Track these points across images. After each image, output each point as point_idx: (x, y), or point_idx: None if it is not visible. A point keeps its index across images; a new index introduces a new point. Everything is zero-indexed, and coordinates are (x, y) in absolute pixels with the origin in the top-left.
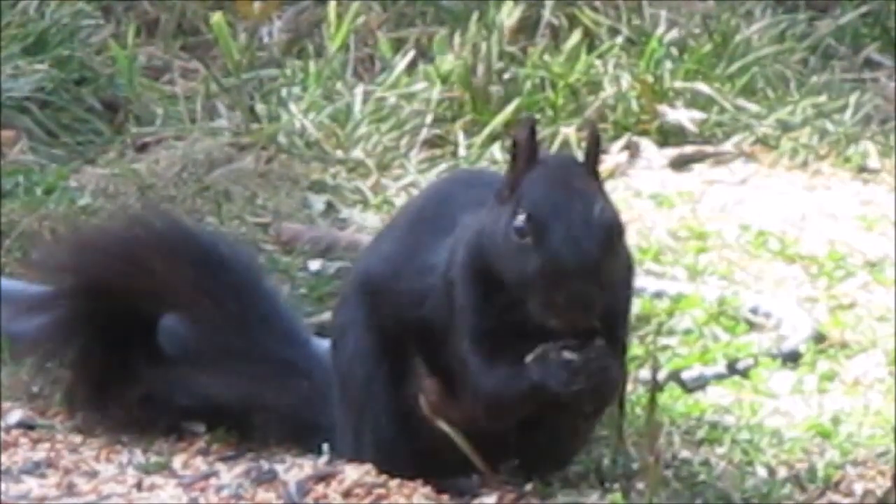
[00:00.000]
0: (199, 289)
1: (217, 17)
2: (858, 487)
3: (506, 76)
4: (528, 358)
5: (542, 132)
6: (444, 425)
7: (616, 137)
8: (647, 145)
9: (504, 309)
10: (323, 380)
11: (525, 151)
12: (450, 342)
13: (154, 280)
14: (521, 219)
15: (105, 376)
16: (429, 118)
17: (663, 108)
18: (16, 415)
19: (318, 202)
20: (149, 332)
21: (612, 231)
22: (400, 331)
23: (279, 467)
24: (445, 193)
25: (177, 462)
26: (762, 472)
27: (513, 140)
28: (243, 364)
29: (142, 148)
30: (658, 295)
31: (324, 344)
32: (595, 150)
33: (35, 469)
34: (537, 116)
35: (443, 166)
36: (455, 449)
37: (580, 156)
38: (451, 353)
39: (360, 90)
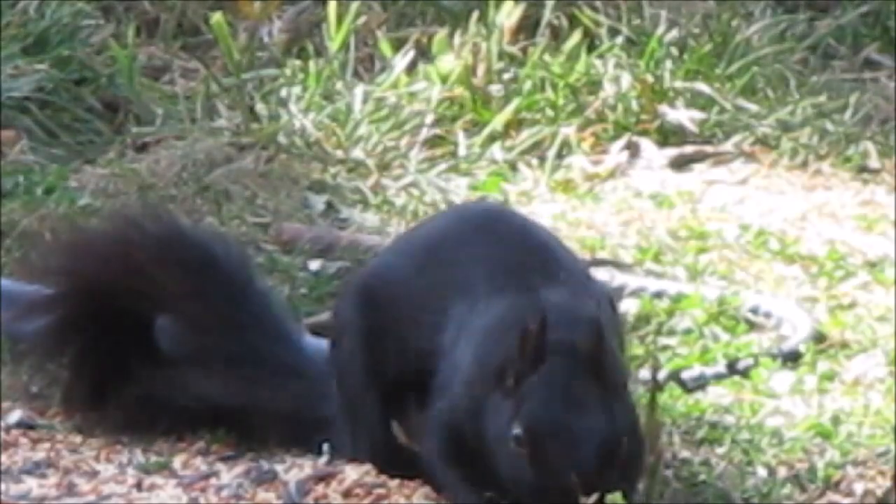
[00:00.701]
0: (191, 290)
1: (217, 17)
2: (859, 487)
3: (506, 76)
4: (487, 495)
5: (543, 132)
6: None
7: (616, 137)
8: (647, 145)
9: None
10: (317, 380)
11: (534, 348)
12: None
13: (147, 281)
14: (517, 431)
15: (103, 377)
16: (429, 118)
17: (663, 107)
18: (16, 415)
19: (318, 202)
20: (145, 333)
21: (613, 448)
22: (395, 365)
23: (279, 467)
24: (466, 240)
25: (177, 462)
26: (762, 472)
27: (521, 331)
28: (236, 365)
29: (142, 148)
30: (658, 295)
31: (318, 343)
32: (600, 344)
33: (35, 469)
34: (537, 116)
35: (443, 166)
36: None
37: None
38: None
39: (360, 90)
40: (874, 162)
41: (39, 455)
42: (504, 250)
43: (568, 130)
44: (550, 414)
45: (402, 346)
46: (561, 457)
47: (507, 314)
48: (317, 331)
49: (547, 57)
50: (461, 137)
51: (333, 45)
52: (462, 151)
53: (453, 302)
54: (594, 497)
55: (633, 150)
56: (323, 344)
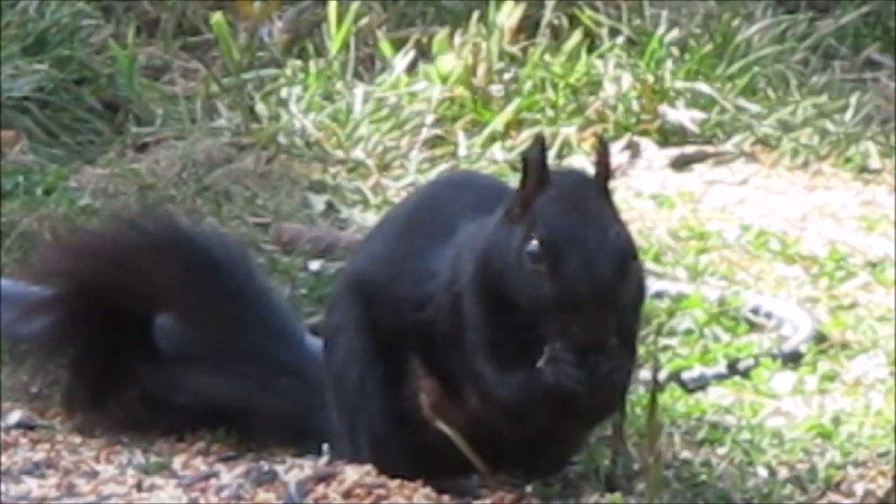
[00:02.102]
0: (192, 290)
1: (217, 17)
2: (859, 488)
3: (506, 76)
4: (540, 362)
5: (543, 132)
6: (443, 426)
7: (617, 137)
8: (647, 145)
9: (513, 322)
10: (319, 380)
11: (536, 171)
12: (453, 347)
13: (147, 282)
14: (534, 244)
15: (103, 377)
16: (429, 118)
17: (664, 108)
18: (15, 415)
19: (319, 202)
20: (145, 333)
21: (626, 256)
22: (395, 332)
23: (279, 468)
24: (440, 196)
25: (177, 462)
26: (763, 472)
27: (523, 158)
28: (238, 364)
29: (142, 148)
30: (659, 295)
31: (319, 343)
32: (605, 166)
33: (35, 469)
34: (538, 116)
35: (443, 166)
36: (453, 449)
37: (588, 168)
38: (455, 357)
39: (360, 90)
40: (875, 162)
41: (39, 455)
42: (477, 197)
43: (568, 130)
44: (563, 225)
45: (397, 315)
46: (579, 266)
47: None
48: (317, 331)
49: (547, 57)
50: (461, 137)
51: (334, 46)
52: (462, 152)
53: (440, 249)
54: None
55: (633, 150)
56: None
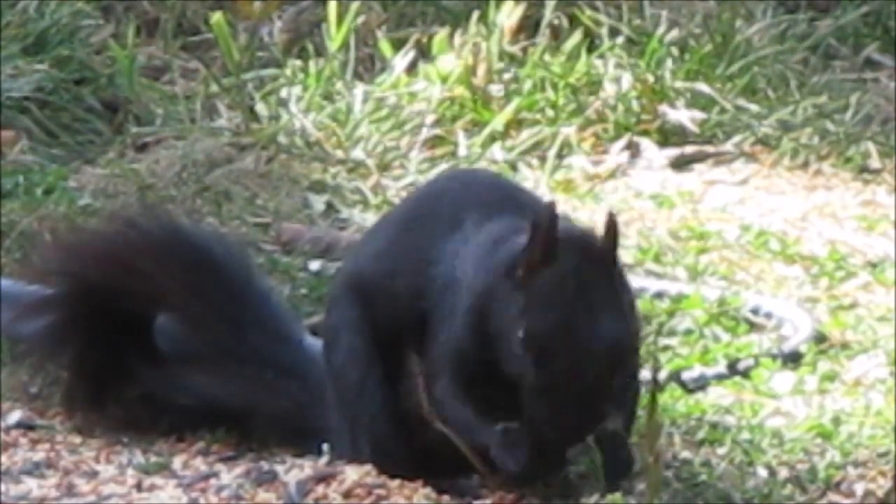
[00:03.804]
0: (191, 290)
1: (217, 17)
2: (859, 488)
3: (506, 76)
4: (500, 426)
5: (543, 132)
6: (442, 426)
7: (616, 137)
8: (647, 145)
9: (490, 372)
10: (318, 380)
11: (543, 243)
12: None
13: (146, 282)
14: (524, 335)
15: (103, 377)
16: (429, 118)
17: (664, 108)
18: (15, 415)
19: (319, 202)
20: (145, 333)
21: (619, 355)
22: (395, 328)
23: (279, 468)
24: (441, 191)
25: (177, 462)
26: (763, 472)
27: (532, 223)
28: (237, 365)
29: (142, 148)
30: (659, 295)
31: (318, 344)
32: (614, 241)
33: (35, 469)
34: (538, 116)
35: (443, 166)
36: (453, 449)
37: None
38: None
39: (360, 90)
40: (875, 162)
41: (39, 455)
42: (481, 192)
43: (568, 130)
44: (557, 320)
45: (397, 309)
46: (565, 368)
47: (504, 230)
48: (317, 331)
49: (547, 57)
50: (461, 137)
51: (333, 45)
52: (462, 151)
53: (442, 240)
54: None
55: (633, 150)
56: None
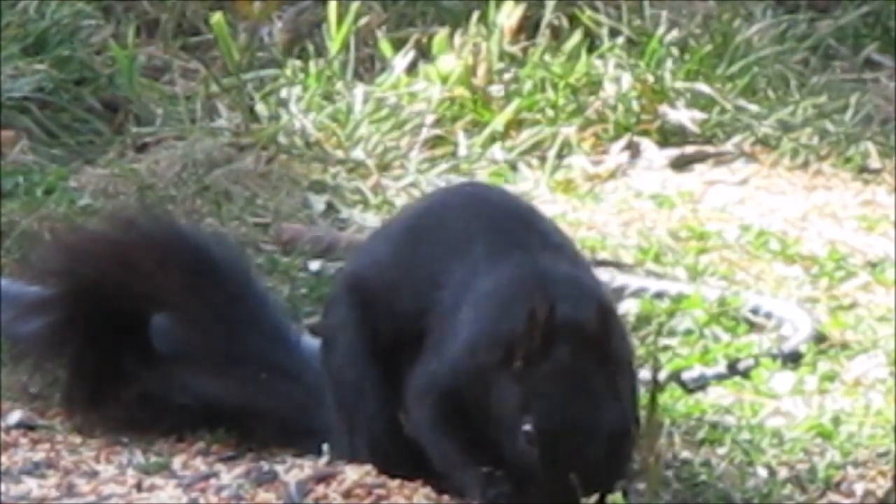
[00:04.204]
0: (189, 290)
1: (217, 17)
2: (859, 488)
3: (506, 76)
4: (484, 469)
5: (543, 132)
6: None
7: (617, 138)
8: (647, 145)
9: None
10: (314, 381)
11: (542, 333)
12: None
13: (145, 282)
14: (528, 427)
15: (102, 377)
16: (429, 118)
17: (664, 108)
18: (15, 415)
19: (319, 202)
20: (144, 334)
21: (621, 442)
22: (393, 340)
23: (279, 468)
24: (449, 206)
25: (177, 463)
26: (763, 472)
27: (530, 312)
28: (234, 366)
29: (142, 148)
30: (659, 295)
31: (314, 343)
32: (606, 331)
33: (35, 469)
34: (538, 116)
35: (443, 166)
36: None
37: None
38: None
39: (360, 90)
40: (875, 162)
41: (39, 456)
42: (493, 216)
43: (568, 131)
44: (560, 412)
45: (397, 317)
46: (570, 456)
47: (510, 281)
48: (316, 331)
49: (547, 57)
50: (461, 138)
51: (334, 46)
52: (462, 152)
53: (450, 264)
54: (595, 497)
55: (633, 150)
56: (318, 344)
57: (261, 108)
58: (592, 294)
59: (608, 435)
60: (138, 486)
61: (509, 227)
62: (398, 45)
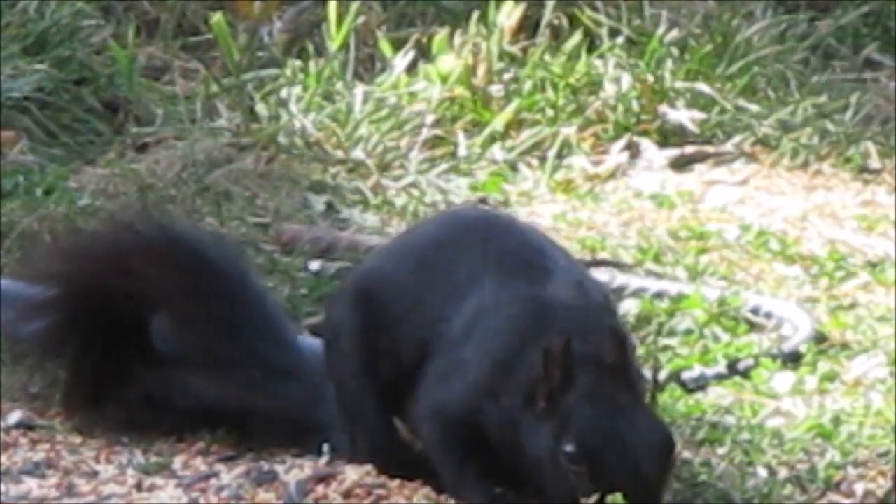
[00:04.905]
0: (188, 292)
1: (217, 18)
2: (859, 488)
3: (506, 76)
4: (498, 489)
5: (543, 132)
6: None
7: (616, 138)
8: (647, 145)
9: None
10: (315, 381)
11: (561, 367)
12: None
13: (143, 284)
14: (571, 447)
15: (102, 377)
16: (429, 118)
17: (664, 108)
18: (15, 415)
19: (319, 202)
20: (143, 334)
21: (667, 450)
22: (393, 357)
23: (279, 468)
24: (461, 242)
25: (177, 463)
26: (763, 472)
27: (545, 351)
28: (232, 366)
29: (142, 148)
30: (659, 295)
31: (316, 344)
32: (623, 354)
33: (35, 470)
34: (538, 117)
35: (443, 166)
36: None
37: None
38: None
39: (360, 90)
40: (875, 162)
41: (39, 456)
42: (503, 247)
43: (568, 131)
44: (601, 427)
45: (399, 342)
46: (620, 468)
47: (519, 312)
48: (317, 331)
49: (547, 57)
50: (461, 138)
51: (333, 46)
52: (462, 152)
53: (456, 293)
54: None
55: (633, 150)
56: (317, 344)
57: (261, 108)
58: (603, 322)
59: (657, 448)
60: (138, 486)
61: (518, 256)
62: (398, 44)
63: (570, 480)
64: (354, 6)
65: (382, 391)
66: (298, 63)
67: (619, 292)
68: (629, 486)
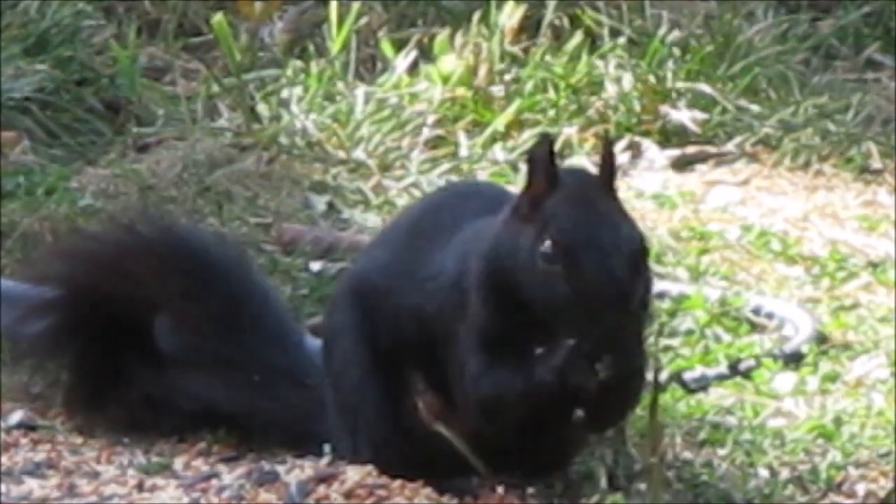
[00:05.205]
0: (189, 294)
1: (218, 18)
2: (860, 488)
3: (507, 77)
4: (539, 351)
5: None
6: (443, 429)
7: (618, 138)
8: (649, 146)
9: (518, 321)
10: (317, 382)
11: (544, 170)
12: (454, 356)
13: (145, 285)
14: (548, 245)
15: (104, 378)
16: (430, 119)
17: (665, 108)
18: (16, 415)
19: (320, 203)
20: (145, 335)
21: (641, 253)
22: (396, 345)
23: (280, 468)
24: (443, 205)
25: (178, 463)
26: (764, 473)
27: (530, 155)
28: (235, 368)
29: (143, 148)
30: (660, 296)
31: (318, 344)
32: (611, 164)
33: (36, 470)
34: (539, 117)
35: (444, 167)
36: (453, 453)
37: (592, 168)
38: (452, 361)
39: (361, 91)
40: (876, 163)
41: (40, 456)
42: (485, 201)
43: (570, 131)
44: (577, 226)
45: (399, 320)
46: (595, 266)
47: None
48: (318, 332)
49: (548, 57)
50: (463, 138)
51: (335, 46)
52: (464, 152)
53: (439, 251)
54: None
55: (634, 150)
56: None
57: (262, 108)
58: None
59: (629, 247)
60: (139, 487)
61: (497, 210)
62: (399, 45)
63: (549, 282)
64: (356, 6)
65: (385, 384)
66: (299, 63)
67: None
68: (603, 286)
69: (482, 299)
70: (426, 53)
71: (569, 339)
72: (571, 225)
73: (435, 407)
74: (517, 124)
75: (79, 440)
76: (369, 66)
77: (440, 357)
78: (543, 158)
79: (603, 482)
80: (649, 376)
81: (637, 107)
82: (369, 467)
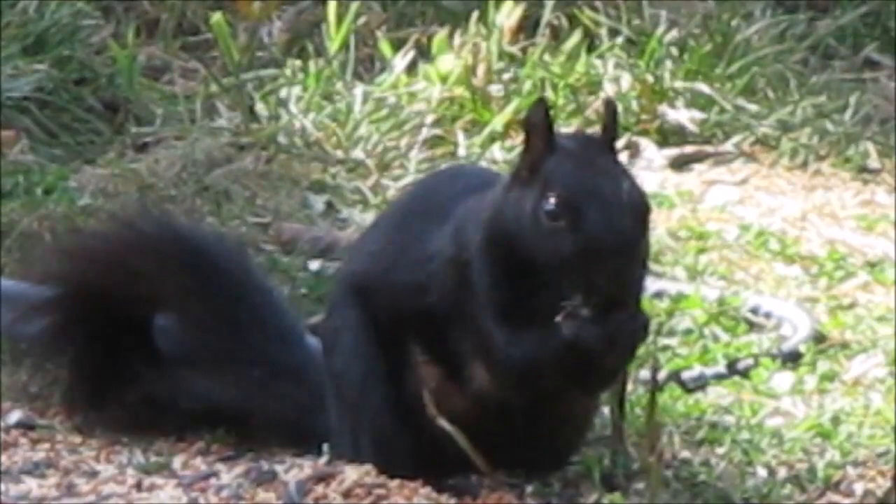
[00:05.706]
0: (189, 291)
1: (217, 17)
2: (858, 488)
3: (506, 76)
4: (557, 318)
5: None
6: (445, 424)
7: None
8: (647, 145)
9: (527, 283)
10: (318, 381)
11: (542, 132)
12: (455, 326)
13: (145, 283)
14: (551, 202)
15: (103, 377)
16: (429, 118)
17: (663, 108)
18: (15, 415)
19: (318, 202)
20: (145, 334)
21: (644, 207)
22: (396, 325)
23: (279, 468)
24: (432, 187)
25: (177, 462)
26: (762, 472)
27: (526, 120)
28: (236, 366)
29: (142, 148)
30: (658, 295)
31: (319, 343)
32: (613, 125)
33: (35, 469)
34: None
35: (443, 166)
36: (455, 446)
37: (597, 132)
38: (457, 337)
39: (360, 90)
40: (874, 162)
41: (39, 455)
42: (473, 180)
43: (568, 131)
44: (579, 182)
45: (398, 302)
46: (599, 220)
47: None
48: (317, 331)
49: (547, 57)
50: (461, 137)
51: (333, 46)
52: (462, 152)
53: (437, 231)
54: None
55: (633, 150)
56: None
57: (260, 107)
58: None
59: (632, 201)
60: (138, 486)
61: (487, 188)
62: (398, 44)
63: (554, 240)
64: (354, 6)
65: (387, 380)
66: (298, 63)
67: None
68: (608, 237)
69: (488, 269)
70: (424, 53)
71: (577, 294)
72: (573, 181)
73: (436, 381)
74: (515, 124)
75: (77, 439)
76: (368, 66)
77: (441, 327)
78: (541, 122)
79: (596, 479)
80: (647, 375)
81: (635, 106)
82: (368, 467)
